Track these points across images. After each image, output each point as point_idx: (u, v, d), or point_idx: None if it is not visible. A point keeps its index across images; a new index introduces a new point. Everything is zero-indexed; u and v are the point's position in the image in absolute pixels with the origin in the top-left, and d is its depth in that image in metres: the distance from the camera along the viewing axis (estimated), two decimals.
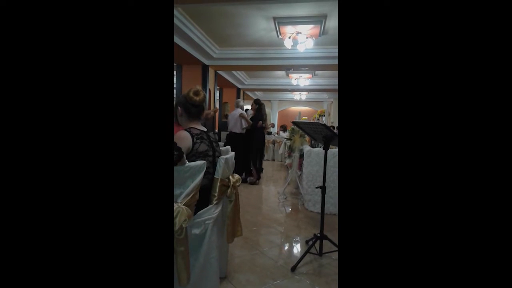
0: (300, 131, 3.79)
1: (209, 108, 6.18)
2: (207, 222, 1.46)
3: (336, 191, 3.13)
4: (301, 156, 3.89)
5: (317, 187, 2.31)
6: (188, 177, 1.29)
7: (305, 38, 4.61)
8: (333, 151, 3.08)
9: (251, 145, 4.82)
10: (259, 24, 4.47)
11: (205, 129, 1.64)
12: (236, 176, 1.72)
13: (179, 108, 1.61)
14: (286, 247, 2.48)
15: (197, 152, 1.51)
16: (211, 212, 1.50)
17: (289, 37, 4.64)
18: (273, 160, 8.41)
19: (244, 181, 4.77)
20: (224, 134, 7.67)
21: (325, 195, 2.17)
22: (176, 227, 1.18)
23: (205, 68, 6.11)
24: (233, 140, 4.71)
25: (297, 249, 2.45)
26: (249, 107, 5.42)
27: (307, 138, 3.94)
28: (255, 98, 5.96)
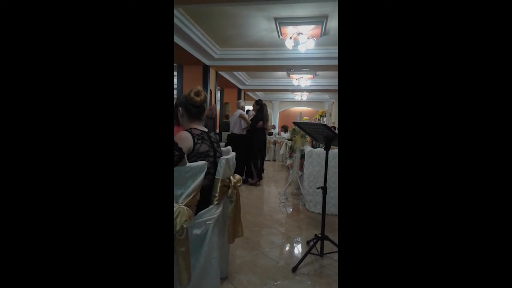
0: (301, 132, 3.79)
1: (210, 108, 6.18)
2: (208, 222, 1.46)
3: (337, 191, 3.13)
4: (302, 157, 3.89)
5: (318, 188, 2.31)
6: (189, 178, 1.29)
7: (306, 39, 4.61)
8: (334, 151, 3.07)
9: (252, 146, 4.82)
10: (260, 25, 4.47)
11: (206, 130, 1.64)
12: (237, 176, 1.72)
13: (180, 108, 1.61)
14: (287, 248, 2.48)
15: (198, 152, 1.51)
16: (212, 213, 1.50)
17: (290, 38, 4.64)
18: (274, 160, 8.41)
19: (245, 181, 4.76)
20: (225, 135, 7.68)
21: (326, 196, 2.17)
22: (177, 227, 1.17)
23: (206, 68, 6.11)
24: (234, 141, 4.72)
25: (298, 249, 2.45)
26: (250, 107, 5.42)
27: (308, 138, 3.94)
28: (256, 98, 5.96)
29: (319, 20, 4.20)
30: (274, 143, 8.54)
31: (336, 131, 3.11)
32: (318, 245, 2.18)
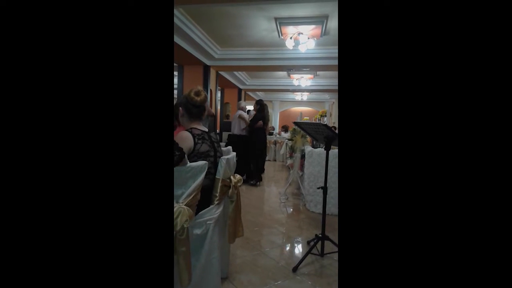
0: (302, 132, 3.79)
1: (211, 109, 6.19)
2: (208, 222, 1.46)
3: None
4: (303, 157, 3.89)
5: (318, 188, 2.31)
6: (190, 178, 1.29)
7: (306, 39, 4.61)
8: (335, 151, 3.07)
9: (252, 146, 4.81)
10: (261, 25, 4.48)
11: (206, 130, 1.64)
12: (238, 176, 1.72)
13: (181, 108, 1.61)
14: (288, 248, 2.48)
15: (198, 152, 1.51)
16: (213, 213, 1.50)
17: (291, 38, 4.64)
18: (275, 160, 8.41)
19: (245, 181, 4.76)
20: (225, 135, 7.67)
21: (327, 196, 2.17)
22: (178, 227, 1.18)
23: (206, 68, 6.12)
24: (234, 141, 4.73)
25: (298, 249, 2.45)
26: (252, 108, 5.42)
27: (308, 138, 3.94)
28: (257, 98, 5.95)
29: (320, 20, 4.20)
30: (275, 143, 8.54)
31: (337, 131, 3.11)
32: (318, 245, 2.18)
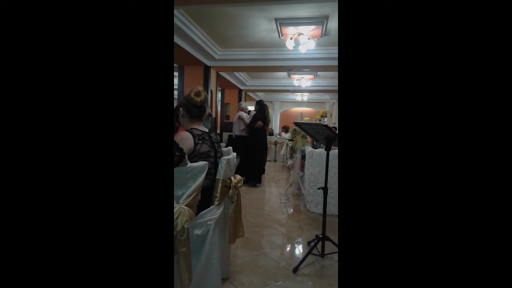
0: (302, 132, 3.79)
1: (211, 109, 6.19)
2: (209, 223, 1.46)
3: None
4: (303, 157, 3.89)
5: (319, 188, 2.30)
6: (190, 178, 1.29)
7: (306, 39, 4.61)
8: (335, 152, 3.07)
9: (252, 147, 4.81)
10: (261, 25, 4.48)
11: (206, 130, 1.64)
12: (238, 176, 1.72)
13: (181, 109, 1.62)
14: (288, 248, 2.48)
15: (198, 152, 1.51)
16: (213, 213, 1.50)
17: (291, 38, 4.65)
18: (275, 161, 8.40)
19: (245, 182, 4.76)
20: (226, 135, 7.66)
21: (327, 196, 2.16)
22: (178, 227, 1.18)
23: (206, 69, 6.13)
24: (234, 142, 4.75)
25: (299, 250, 2.45)
26: (253, 108, 5.42)
27: (309, 139, 3.94)
28: (257, 99, 5.95)
29: (320, 20, 4.20)
30: (275, 143, 8.54)
31: (337, 132, 3.11)
32: (319, 246, 2.18)
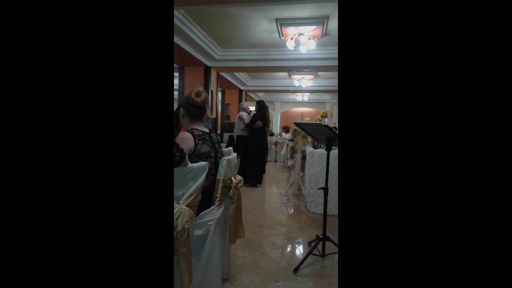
0: (303, 132, 3.79)
1: (212, 110, 6.19)
2: (209, 223, 1.46)
3: None
4: (304, 157, 3.88)
5: (319, 188, 2.30)
6: (190, 178, 1.29)
7: (307, 39, 4.61)
8: (336, 152, 3.07)
9: (251, 147, 4.80)
10: (261, 26, 4.48)
11: (207, 130, 1.65)
12: (238, 177, 1.72)
13: (181, 109, 1.62)
14: (289, 249, 2.47)
15: (199, 153, 1.51)
16: (213, 213, 1.50)
17: (291, 38, 4.65)
18: (276, 161, 8.40)
19: (246, 182, 4.75)
20: (226, 136, 7.66)
21: (328, 196, 2.16)
22: (178, 228, 1.17)
23: (207, 69, 6.13)
24: (233, 142, 4.76)
25: (299, 250, 2.45)
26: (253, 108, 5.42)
27: (309, 139, 3.94)
28: (257, 99, 5.95)
29: (320, 20, 4.20)
30: (276, 143, 8.54)
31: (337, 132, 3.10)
32: (319, 246, 2.18)
